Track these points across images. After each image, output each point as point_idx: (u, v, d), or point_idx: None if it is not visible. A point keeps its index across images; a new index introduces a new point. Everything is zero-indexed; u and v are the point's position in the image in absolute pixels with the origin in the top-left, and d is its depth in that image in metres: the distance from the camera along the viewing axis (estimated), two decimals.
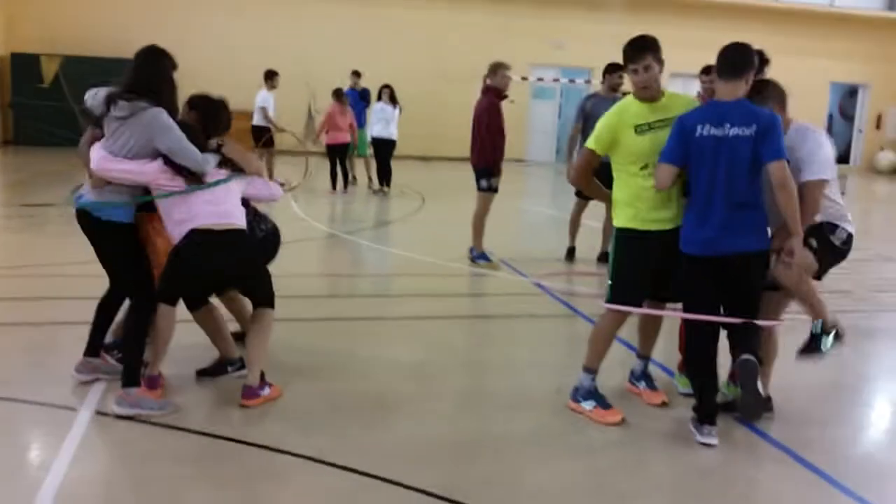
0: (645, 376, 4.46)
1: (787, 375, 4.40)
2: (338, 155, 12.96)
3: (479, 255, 7.78)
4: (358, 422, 3.97)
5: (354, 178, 14.05)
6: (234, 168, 4.16)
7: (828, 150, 3.90)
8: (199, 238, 3.93)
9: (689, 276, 3.85)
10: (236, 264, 4.12)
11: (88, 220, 4.02)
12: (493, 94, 7.63)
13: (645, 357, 4.48)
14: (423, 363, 4.98)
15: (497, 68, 7.59)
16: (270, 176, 12.49)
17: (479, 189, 7.74)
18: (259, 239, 4.56)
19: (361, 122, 13.78)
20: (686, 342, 4.10)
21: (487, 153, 7.59)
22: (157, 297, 3.99)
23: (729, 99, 3.74)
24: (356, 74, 14.28)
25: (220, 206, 4.01)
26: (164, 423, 3.79)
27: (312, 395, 4.29)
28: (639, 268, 4.02)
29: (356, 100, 13.87)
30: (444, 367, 4.93)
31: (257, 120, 13.03)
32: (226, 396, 4.17)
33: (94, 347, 4.28)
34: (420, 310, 6.28)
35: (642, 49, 3.88)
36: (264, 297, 4.22)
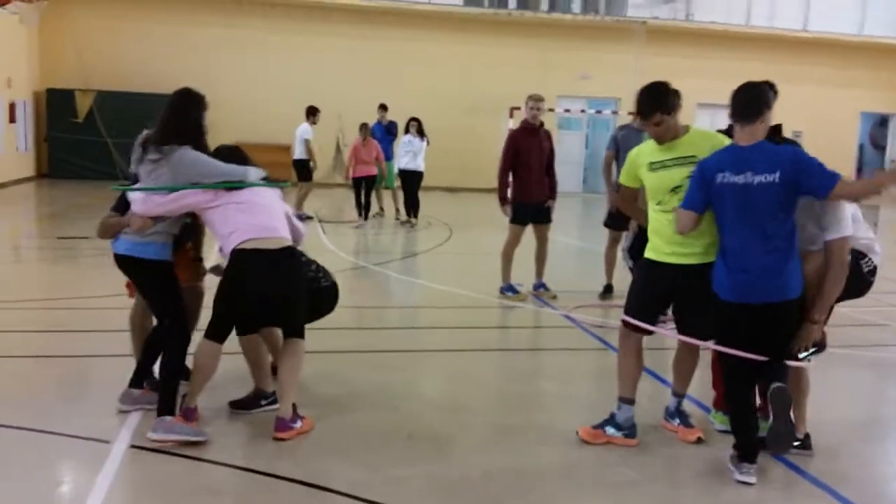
0: (680, 413, 4.39)
1: (824, 410, 4.32)
2: (364, 187, 13.15)
3: (505, 287, 7.76)
4: (388, 455, 3.95)
5: (382, 209, 14.19)
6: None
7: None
8: (244, 257, 3.97)
9: (722, 319, 3.80)
10: (283, 284, 4.07)
11: (129, 262, 4.16)
12: (522, 125, 7.68)
13: (679, 395, 4.42)
14: (452, 396, 4.96)
15: (528, 100, 7.64)
16: (299, 205, 12.98)
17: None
18: (322, 287, 4.74)
19: (389, 154, 13.95)
20: (725, 383, 4.03)
21: (505, 184, 7.65)
22: (205, 332, 4.05)
23: (748, 143, 3.67)
24: (383, 108, 14.49)
25: (257, 217, 4.04)
26: (199, 457, 3.80)
27: (344, 428, 4.28)
28: (646, 293, 4.13)
29: (383, 133, 14.11)
30: (474, 401, 4.90)
31: (299, 154, 13.43)
32: (259, 429, 4.18)
33: (139, 379, 4.37)
34: (449, 342, 6.27)
35: (650, 109, 3.98)
36: (298, 327, 4.23)
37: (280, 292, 4.10)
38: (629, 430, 4.18)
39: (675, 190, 3.97)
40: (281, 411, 4.09)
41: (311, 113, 13.49)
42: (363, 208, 13.22)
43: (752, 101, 3.71)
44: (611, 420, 4.22)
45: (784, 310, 3.68)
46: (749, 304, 3.67)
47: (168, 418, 3.94)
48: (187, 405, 4.03)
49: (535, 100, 7.61)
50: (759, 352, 3.73)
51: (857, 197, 3.75)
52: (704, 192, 3.72)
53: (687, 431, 4.29)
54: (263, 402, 4.46)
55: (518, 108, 19.25)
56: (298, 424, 4.12)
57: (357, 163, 13.00)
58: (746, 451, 3.78)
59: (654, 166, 4.05)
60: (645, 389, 4.27)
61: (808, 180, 3.55)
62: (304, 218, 13.01)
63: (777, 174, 3.56)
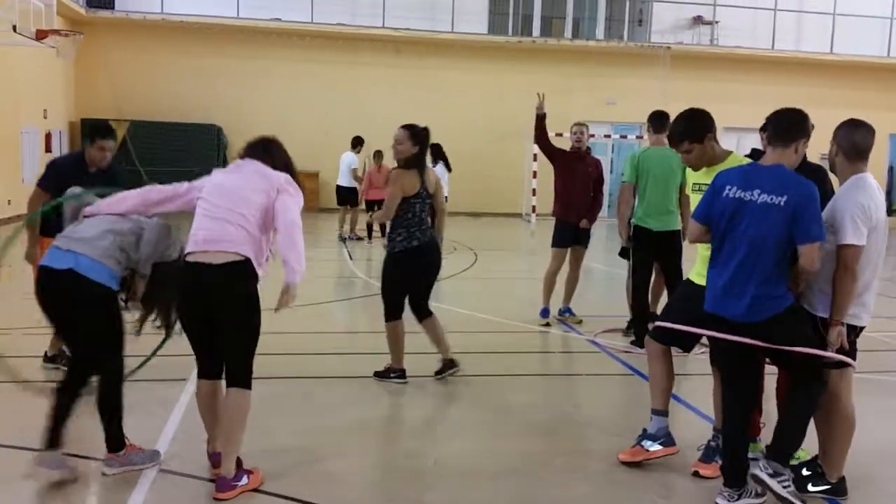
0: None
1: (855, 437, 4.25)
2: (376, 209, 13.51)
3: (542, 311, 7.73)
4: (415, 483, 3.96)
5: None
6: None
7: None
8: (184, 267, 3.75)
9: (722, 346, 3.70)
10: (213, 303, 3.64)
11: (68, 281, 3.68)
12: (570, 150, 7.78)
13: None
14: (477, 421, 4.96)
15: (572, 126, 7.78)
16: (352, 229, 14.19)
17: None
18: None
19: None
20: (724, 402, 3.91)
21: (556, 208, 7.73)
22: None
23: (769, 164, 3.66)
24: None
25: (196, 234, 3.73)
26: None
27: (367, 454, 4.30)
28: (676, 307, 4.18)
29: None
30: (499, 426, 4.90)
31: (346, 181, 14.35)
32: (294, 454, 4.21)
33: (119, 441, 3.90)
34: (474, 367, 6.27)
35: (679, 139, 4.05)
36: (241, 373, 3.72)
37: (213, 309, 3.66)
38: (665, 439, 4.16)
39: None
40: (223, 469, 3.67)
41: (357, 143, 14.57)
42: (379, 229, 13.74)
43: (793, 125, 3.68)
44: (645, 434, 4.20)
45: (781, 320, 3.55)
46: (743, 323, 3.57)
47: (120, 452, 3.85)
48: (212, 450, 3.88)
49: (578, 125, 7.70)
50: (783, 364, 3.72)
51: (802, 279, 3.64)
52: (709, 204, 3.71)
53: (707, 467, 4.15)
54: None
55: None
56: (244, 481, 3.72)
57: (371, 187, 13.73)
58: (727, 473, 3.71)
59: (695, 188, 4.15)
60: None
61: (799, 220, 3.45)
62: (355, 239, 14.12)
63: (784, 198, 3.48)
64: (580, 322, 7.67)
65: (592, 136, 22.59)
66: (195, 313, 3.74)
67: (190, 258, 3.67)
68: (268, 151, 3.96)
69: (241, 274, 3.65)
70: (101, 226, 3.83)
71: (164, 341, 4.28)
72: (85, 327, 3.78)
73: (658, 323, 4.16)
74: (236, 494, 3.66)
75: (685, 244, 4.23)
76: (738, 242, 3.58)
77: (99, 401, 3.85)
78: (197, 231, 3.69)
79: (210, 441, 3.93)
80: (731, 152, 4.13)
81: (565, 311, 7.86)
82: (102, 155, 5.31)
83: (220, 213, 3.67)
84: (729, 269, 3.59)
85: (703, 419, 4.78)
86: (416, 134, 5.43)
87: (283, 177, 3.82)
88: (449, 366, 5.71)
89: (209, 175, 3.92)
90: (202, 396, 3.88)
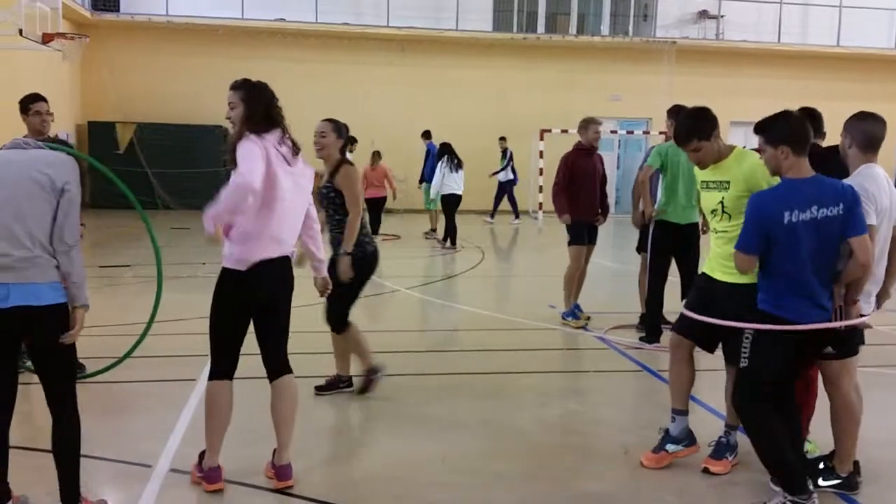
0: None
1: (866, 431, 4.23)
2: (374, 207, 14.01)
3: (567, 313, 7.64)
4: (423, 482, 3.96)
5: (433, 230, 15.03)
6: None
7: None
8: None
9: (786, 349, 3.60)
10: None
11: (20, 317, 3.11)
12: (577, 148, 7.64)
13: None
14: (486, 419, 4.96)
15: (588, 124, 7.56)
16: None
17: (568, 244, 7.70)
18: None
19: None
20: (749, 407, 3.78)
21: (564, 206, 7.59)
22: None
23: (805, 176, 3.55)
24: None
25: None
26: (240, 481, 3.84)
27: (378, 454, 4.30)
28: (706, 305, 4.01)
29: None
30: (509, 424, 4.90)
31: None
32: (305, 455, 4.22)
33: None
34: (483, 365, 6.28)
35: (687, 137, 4.02)
36: (287, 360, 3.90)
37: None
38: (688, 440, 4.16)
39: (713, 212, 4.01)
40: (284, 457, 3.80)
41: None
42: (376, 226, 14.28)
43: (803, 132, 3.59)
44: (667, 437, 4.18)
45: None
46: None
47: None
48: (210, 465, 3.73)
49: (598, 123, 7.64)
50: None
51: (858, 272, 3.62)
52: (764, 234, 3.52)
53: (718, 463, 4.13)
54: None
55: (548, 131, 19.36)
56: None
57: (367, 186, 13.88)
58: (787, 480, 3.59)
59: (702, 185, 4.14)
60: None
61: (849, 216, 3.50)
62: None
63: (841, 206, 3.48)
64: (589, 319, 7.65)
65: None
66: (245, 311, 3.73)
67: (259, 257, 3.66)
68: None
69: (289, 262, 3.81)
70: None
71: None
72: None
73: (685, 311, 4.07)
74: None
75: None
76: (808, 259, 3.51)
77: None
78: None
79: (211, 451, 3.74)
80: (734, 147, 4.11)
81: (574, 308, 7.82)
82: (41, 119, 5.11)
83: None
84: (815, 285, 3.53)
85: (715, 416, 4.76)
86: (340, 127, 5.26)
87: None
88: (338, 382, 5.33)
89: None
90: (226, 395, 3.72)
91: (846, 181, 3.70)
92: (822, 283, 3.54)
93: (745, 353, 3.64)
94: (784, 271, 3.55)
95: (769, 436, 3.58)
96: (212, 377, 3.75)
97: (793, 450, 3.61)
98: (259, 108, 3.75)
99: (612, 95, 21.06)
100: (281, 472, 3.78)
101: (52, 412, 3.29)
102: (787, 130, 3.55)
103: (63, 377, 3.31)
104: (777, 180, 3.67)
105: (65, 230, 3.16)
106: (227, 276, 3.69)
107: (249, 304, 3.72)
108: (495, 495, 3.84)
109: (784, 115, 3.64)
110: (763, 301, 3.62)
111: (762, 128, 3.65)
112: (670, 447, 4.16)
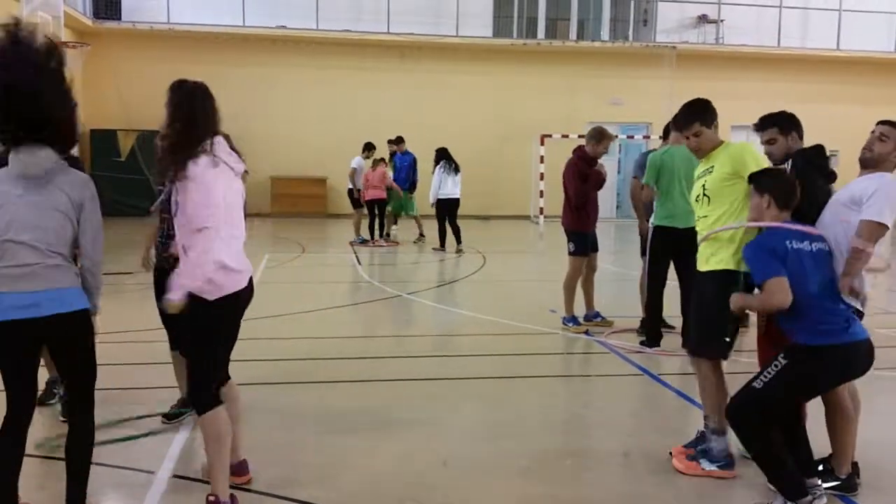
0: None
1: (869, 432, 4.23)
2: (375, 208, 14.50)
3: (568, 319, 7.62)
4: (425, 484, 3.97)
5: (388, 234, 15.29)
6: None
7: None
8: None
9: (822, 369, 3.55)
10: None
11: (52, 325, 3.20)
12: (579, 157, 7.53)
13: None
14: (488, 423, 4.97)
15: (602, 138, 7.43)
16: (357, 231, 14.52)
17: (568, 252, 7.63)
18: None
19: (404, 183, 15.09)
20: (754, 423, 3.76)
21: (570, 216, 7.55)
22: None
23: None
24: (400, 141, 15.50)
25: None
26: (244, 487, 3.85)
27: (381, 456, 4.31)
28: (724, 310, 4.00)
29: (411, 163, 15.22)
30: (509, 428, 4.90)
31: (350, 185, 14.86)
32: (305, 457, 4.23)
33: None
34: (484, 370, 6.28)
35: (690, 120, 4.09)
36: None
37: None
38: (725, 462, 4.04)
39: (697, 199, 4.18)
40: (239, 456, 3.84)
41: (368, 148, 14.92)
42: (376, 228, 14.54)
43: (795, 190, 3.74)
44: (705, 452, 4.08)
45: None
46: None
47: None
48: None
49: (612, 138, 7.58)
50: None
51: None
52: (777, 257, 3.53)
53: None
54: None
55: (549, 136, 19.41)
56: None
57: (368, 187, 14.26)
58: (787, 488, 3.56)
59: (696, 180, 4.25)
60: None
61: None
62: (363, 241, 14.44)
63: (827, 244, 3.67)
64: (612, 324, 7.63)
65: None
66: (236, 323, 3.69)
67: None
68: None
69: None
70: None
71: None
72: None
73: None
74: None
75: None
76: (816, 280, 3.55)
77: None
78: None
79: (234, 451, 3.74)
80: (723, 141, 4.20)
81: (595, 316, 7.81)
82: None
83: None
84: (835, 300, 3.60)
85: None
86: None
87: None
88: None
89: None
90: (226, 416, 3.59)
91: (887, 177, 3.77)
92: (834, 298, 3.58)
93: (765, 376, 3.51)
94: (803, 297, 3.48)
95: (765, 450, 3.53)
96: (214, 405, 3.53)
97: (793, 452, 3.59)
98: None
99: (612, 98, 21.10)
100: (239, 468, 3.83)
101: (69, 419, 3.39)
102: (773, 185, 3.70)
103: (85, 382, 3.41)
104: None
105: (90, 247, 3.37)
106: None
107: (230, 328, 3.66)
108: (497, 497, 3.84)
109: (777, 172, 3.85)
110: (800, 337, 3.53)
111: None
112: (706, 465, 4.06)
